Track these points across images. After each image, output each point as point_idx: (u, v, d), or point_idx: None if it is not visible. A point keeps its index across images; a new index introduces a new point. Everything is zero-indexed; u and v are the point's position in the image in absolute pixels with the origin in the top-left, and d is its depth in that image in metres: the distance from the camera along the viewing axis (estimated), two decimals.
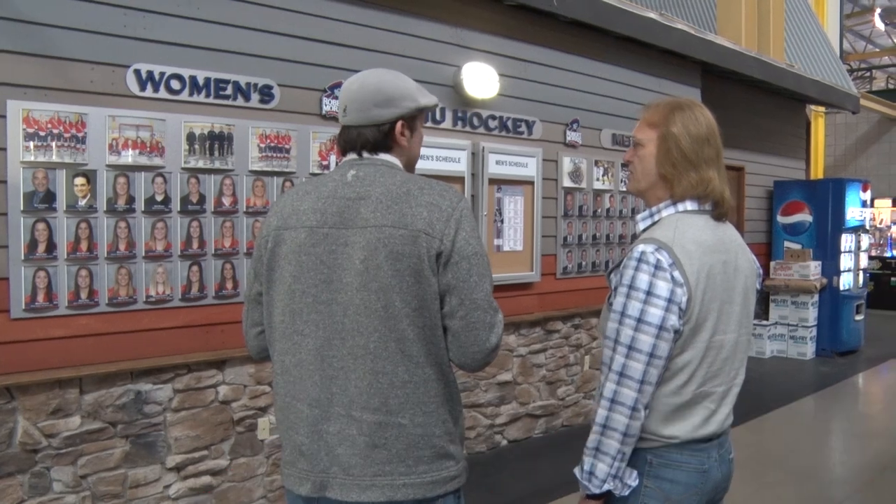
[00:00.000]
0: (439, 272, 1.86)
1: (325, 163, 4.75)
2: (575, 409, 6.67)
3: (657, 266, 1.92)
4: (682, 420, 2.00)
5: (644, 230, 2.11)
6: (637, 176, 2.16)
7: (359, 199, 1.90)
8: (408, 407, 1.87)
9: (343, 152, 2.03)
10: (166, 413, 4.14)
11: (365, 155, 1.99)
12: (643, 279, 1.92)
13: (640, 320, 1.91)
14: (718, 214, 2.09)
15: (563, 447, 6.04)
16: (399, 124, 1.99)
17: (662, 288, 1.91)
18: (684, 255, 1.94)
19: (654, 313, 1.90)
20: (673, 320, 1.91)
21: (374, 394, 1.86)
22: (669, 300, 1.91)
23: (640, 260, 1.94)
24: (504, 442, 6.09)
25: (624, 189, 7.05)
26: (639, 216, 2.16)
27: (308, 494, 1.92)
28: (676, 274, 1.92)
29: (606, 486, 1.97)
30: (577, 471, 2.04)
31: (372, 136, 1.97)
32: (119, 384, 3.97)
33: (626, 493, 2.00)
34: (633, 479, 2.00)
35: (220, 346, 4.32)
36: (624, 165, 6.47)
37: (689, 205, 2.06)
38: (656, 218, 2.10)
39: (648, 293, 1.91)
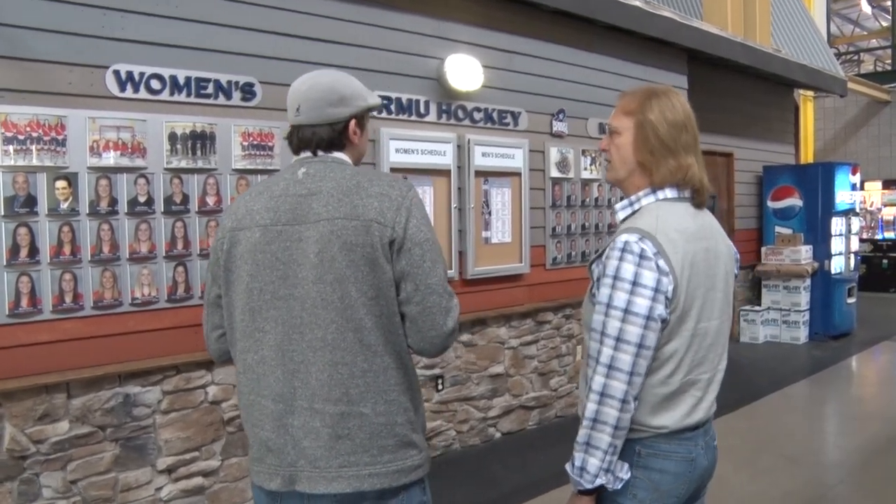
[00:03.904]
0: (393, 259, 1.90)
1: None
2: (568, 399, 6.66)
3: (642, 255, 1.90)
4: (671, 410, 1.99)
5: (624, 220, 2.10)
6: (615, 164, 2.14)
7: (310, 195, 1.94)
8: (369, 396, 1.90)
9: (297, 151, 2.06)
10: (156, 415, 4.12)
11: (319, 153, 2.03)
12: (628, 269, 1.90)
13: (627, 311, 1.89)
14: (698, 202, 2.07)
15: (558, 438, 6.04)
16: (353, 123, 2.04)
17: (648, 277, 1.89)
18: (668, 243, 1.93)
19: (641, 303, 1.89)
20: (660, 310, 1.90)
21: (335, 385, 1.89)
22: (656, 290, 1.89)
23: (623, 250, 1.92)
24: (498, 434, 6.08)
25: None
26: (618, 206, 2.14)
27: (278, 489, 1.95)
28: (661, 263, 1.91)
29: (599, 481, 1.94)
30: (568, 466, 2.00)
31: (327, 135, 2.02)
32: (107, 388, 3.95)
33: (619, 486, 1.97)
34: (625, 472, 1.98)
35: None
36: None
37: (669, 192, 2.05)
38: (636, 207, 2.08)
39: (634, 283, 1.89)
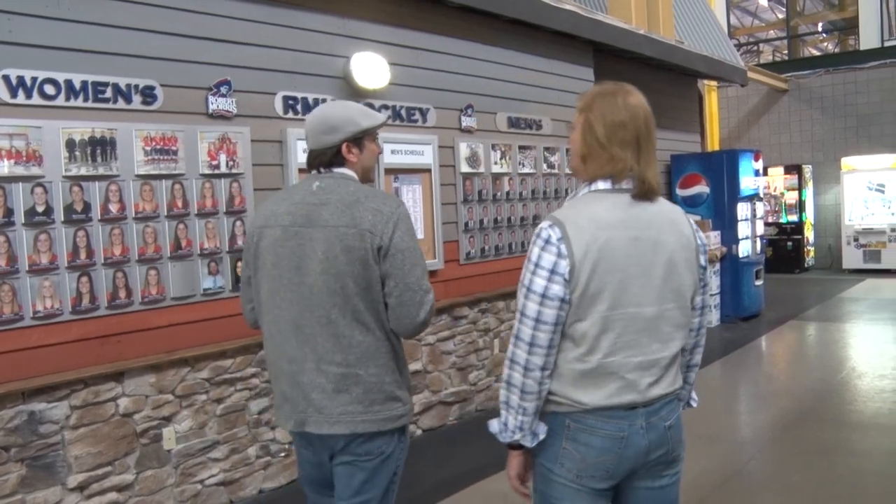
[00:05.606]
0: (380, 262, 2.45)
1: (214, 162, 4.63)
2: (487, 392, 6.70)
3: (547, 241, 2.12)
4: (594, 388, 2.14)
5: None
6: (572, 156, 2.37)
7: (321, 204, 2.50)
8: (364, 361, 2.48)
9: (309, 169, 2.65)
10: (64, 431, 3.99)
11: (323, 170, 2.59)
12: (535, 252, 2.14)
13: (529, 289, 2.13)
14: (637, 194, 2.19)
15: (479, 432, 6.02)
16: (344, 146, 2.57)
17: (547, 260, 2.11)
18: (575, 229, 2.11)
19: (538, 283, 2.11)
20: (555, 289, 2.10)
21: (338, 351, 2.47)
22: (552, 271, 2.10)
23: (537, 235, 2.16)
24: (419, 432, 6.08)
25: (522, 171, 7.13)
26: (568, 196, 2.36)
27: (293, 429, 2.59)
28: (563, 247, 2.10)
29: (515, 437, 2.19)
30: (494, 422, 2.26)
31: (325, 157, 2.58)
32: (9, 406, 3.79)
33: (534, 444, 2.20)
34: (542, 432, 2.20)
35: (118, 358, 4.18)
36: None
37: (602, 184, 2.21)
38: (573, 197, 2.27)
39: (536, 265, 2.12)
